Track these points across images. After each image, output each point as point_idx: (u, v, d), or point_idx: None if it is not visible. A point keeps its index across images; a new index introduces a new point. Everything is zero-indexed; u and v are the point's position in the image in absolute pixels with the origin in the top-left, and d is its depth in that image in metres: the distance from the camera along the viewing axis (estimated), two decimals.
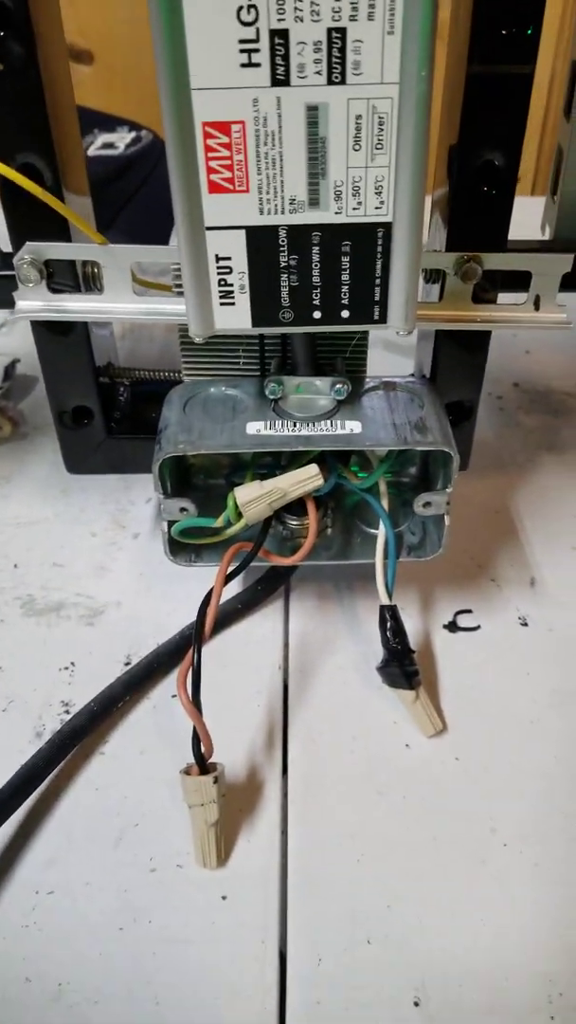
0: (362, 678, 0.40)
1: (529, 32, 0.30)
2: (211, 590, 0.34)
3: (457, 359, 0.40)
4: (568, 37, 0.73)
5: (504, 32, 0.31)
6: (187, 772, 0.34)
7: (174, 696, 0.39)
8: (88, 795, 0.36)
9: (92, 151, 0.84)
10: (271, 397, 0.37)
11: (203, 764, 0.33)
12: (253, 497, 0.35)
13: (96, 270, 0.38)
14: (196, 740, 0.33)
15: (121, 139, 0.86)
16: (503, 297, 0.39)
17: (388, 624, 0.38)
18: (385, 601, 0.38)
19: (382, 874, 0.34)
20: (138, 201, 0.78)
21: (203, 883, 0.34)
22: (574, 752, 0.38)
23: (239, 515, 0.36)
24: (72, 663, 0.41)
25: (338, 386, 0.37)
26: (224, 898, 0.33)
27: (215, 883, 0.34)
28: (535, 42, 0.31)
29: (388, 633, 0.38)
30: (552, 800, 0.36)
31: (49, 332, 0.41)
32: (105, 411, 0.43)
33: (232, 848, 0.35)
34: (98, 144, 0.85)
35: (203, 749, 0.33)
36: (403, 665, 0.38)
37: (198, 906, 0.33)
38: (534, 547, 0.48)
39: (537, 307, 0.37)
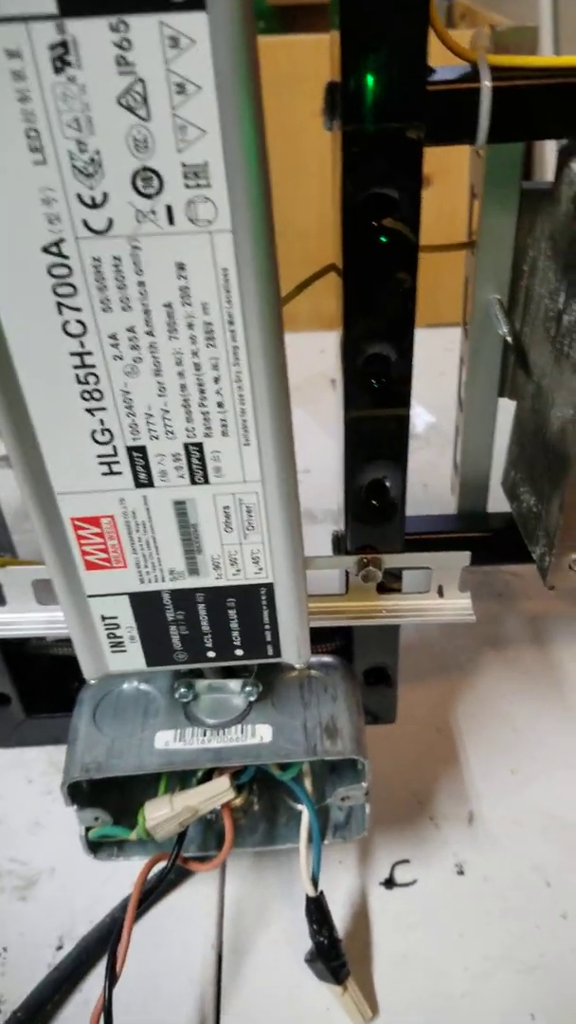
0: (296, 955, 0.40)
1: (385, 386, 0.30)
2: (122, 923, 0.34)
3: (371, 633, 0.40)
4: None
5: (374, 383, 0.31)
6: None
7: None
8: None
9: None
10: (181, 701, 0.37)
11: None
12: (163, 818, 0.35)
13: None
14: None
15: None
16: (411, 575, 0.39)
17: (314, 917, 0.38)
18: (311, 893, 0.38)
19: None
20: None
21: None
22: None
23: (149, 834, 0.35)
24: (4, 948, 0.41)
25: (248, 688, 0.37)
26: None
27: None
28: (404, 392, 0.31)
29: (314, 926, 0.38)
30: None
31: None
32: (22, 693, 0.43)
33: None
34: None
35: None
36: (329, 961, 0.37)
37: None
38: (474, 773, 0.48)
39: (441, 594, 0.37)
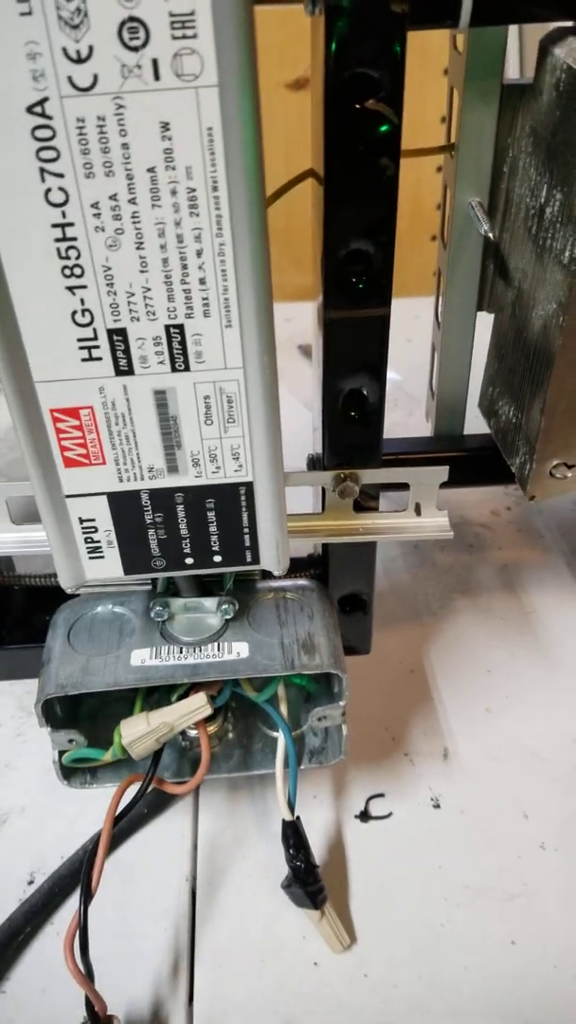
0: (271, 886, 0.40)
1: (367, 284, 0.30)
2: (98, 838, 0.34)
3: (347, 556, 0.40)
4: None
5: (354, 280, 0.31)
6: None
7: None
8: None
9: None
10: (157, 620, 0.36)
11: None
12: (139, 735, 0.35)
13: None
14: (89, 1002, 0.32)
15: None
16: (388, 496, 0.39)
17: (291, 842, 0.38)
18: (287, 816, 0.37)
19: None
20: None
21: None
22: (483, 959, 0.37)
23: (126, 752, 0.35)
24: None
25: (224, 606, 0.36)
26: None
27: None
28: (386, 290, 0.31)
29: (291, 851, 0.38)
30: (459, 1018, 0.35)
31: None
32: None
33: None
34: None
35: (96, 1009, 0.33)
36: (306, 885, 0.37)
37: None
38: (448, 711, 0.48)
39: (419, 512, 0.37)
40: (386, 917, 0.39)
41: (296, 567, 0.40)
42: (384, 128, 0.27)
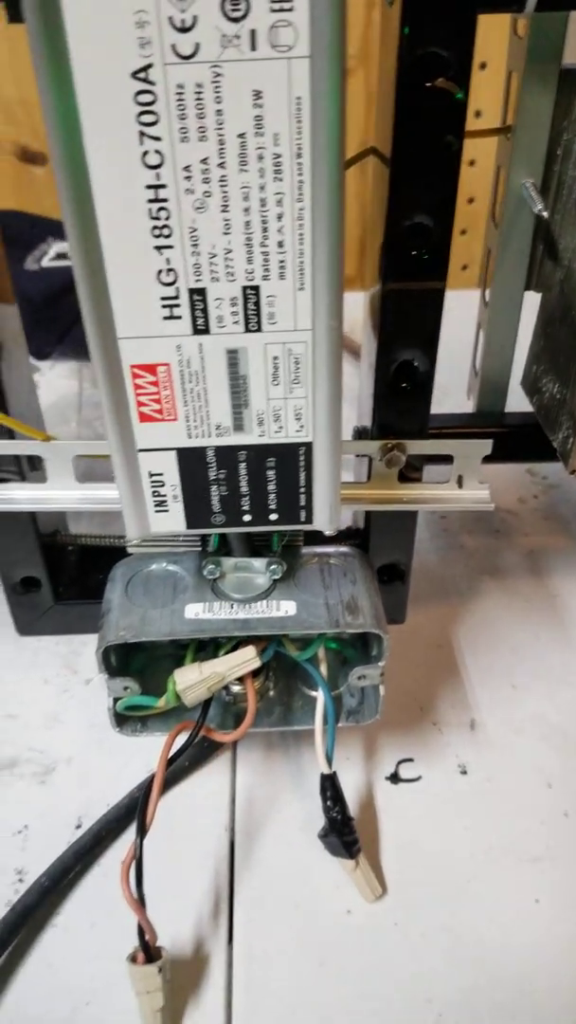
0: (306, 838, 0.41)
1: (426, 257, 0.32)
2: (152, 777, 0.35)
3: (388, 526, 0.42)
4: None
5: (414, 253, 0.33)
6: (133, 959, 0.35)
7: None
8: (41, 971, 0.37)
9: (46, 262, 0.85)
10: (209, 578, 0.38)
11: (148, 953, 0.34)
12: (192, 683, 0.37)
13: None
14: (141, 930, 0.34)
15: None
16: (431, 469, 0.41)
17: (328, 793, 0.39)
18: (325, 770, 0.39)
19: None
20: None
21: None
22: (507, 914, 0.39)
23: (179, 699, 0.37)
24: (25, 826, 0.42)
25: (273, 566, 0.38)
26: None
27: None
28: (443, 264, 0.33)
29: (328, 802, 0.39)
30: (483, 968, 0.37)
31: None
32: (53, 579, 0.45)
33: None
34: (52, 254, 0.86)
35: (147, 938, 0.34)
36: (342, 835, 0.39)
37: None
38: (474, 685, 0.50)
39: (460, 485, 0.39)
40: (415, 872, 0.41)
41: (335, 541, 0.42)
42: (453, 103, 0.29)
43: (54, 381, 0.78)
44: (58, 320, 0.80)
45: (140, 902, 0.34)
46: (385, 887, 0.40)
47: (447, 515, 0.63)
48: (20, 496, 0.39)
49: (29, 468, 0.40)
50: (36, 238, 0.89)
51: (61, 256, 0.86)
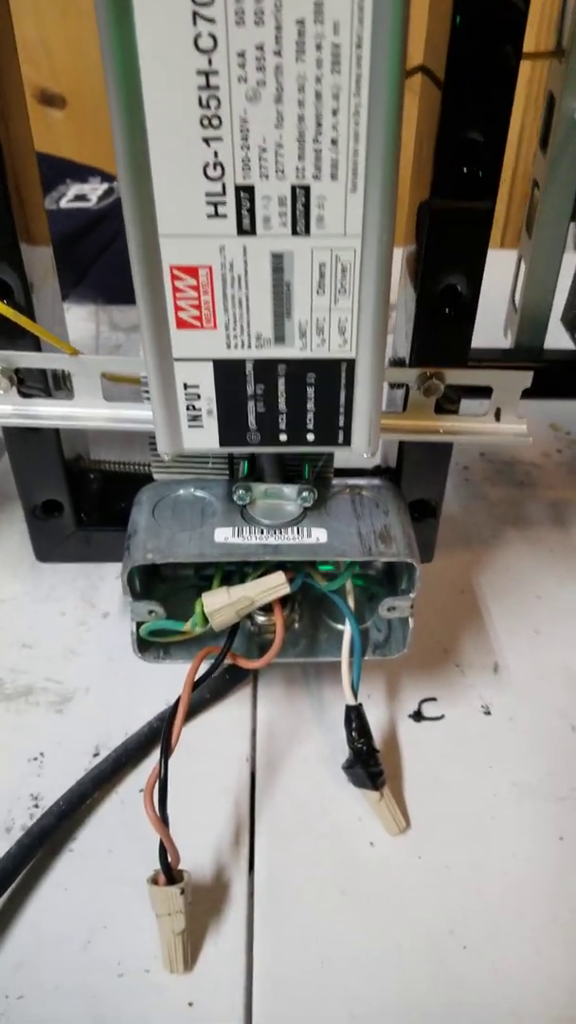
0: (328, 771, 0.41)
1: (481, 175, 0.31)
2: (177, 701, 0.35)
3: (421, 461, 0.41)
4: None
5: (465, 170, 0.32)
6: (154, 881, 0.34)
7: (142, 791, 0.40)
8: (57, 895, 0.37)
9: (64, 203, 0.84)
10: (239, 503, 0.38)
11: (170, 874, 0.34)
12: (221, 606, 0.36)
13: (67, 373, 0.39)
14: (163, 851, 0.34)
15: (93, 191, 0.86)
16: (467, 404, 0.40)
17: (353, 724, 0.39)
18: (351, 701, 0.39)
19: (346, 981, 0.34)
20: (110, 255, 0.79)
21: (170, 988, 0.34)
22: (531, 849, 0.39)
23: (206, 622, 0.36)
24: (41, 753, 0.42)
25: (304, 494, 0.38)
26: (191, 1004, 0.34)
27: (182, 988, 0.34)
28: (494, 183, 0.32)
29: (353, 734, 0.39)
30: (507, 900, 0.37)
31: (19, 431, 0.41)
32: (75, 504, 0.44)
33: (199, 952, 0.35)
34: (70, 196, 0.85)
35: (170, 859, 0.34)
36: (368, 767, 0.38)
37: (165, 1012, 0.34)
38: (498, 630, 0.49)
39: (498, 418, 0.38)
40: (438, 808, 0.40)
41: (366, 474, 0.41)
42: (513, 11, 0.28)
43: (71, 324, 0.76)
44: (75, 262, 0.79)
45: (163, 823, 0.33)
46: (409, 821, 0.40)
47: (469, 466, 0.62)
48: (46, 412, 0.39)
49: (55, 387, 0.39)
50: (55, 180, 0.88)
51: (79, 198, 0.85)
